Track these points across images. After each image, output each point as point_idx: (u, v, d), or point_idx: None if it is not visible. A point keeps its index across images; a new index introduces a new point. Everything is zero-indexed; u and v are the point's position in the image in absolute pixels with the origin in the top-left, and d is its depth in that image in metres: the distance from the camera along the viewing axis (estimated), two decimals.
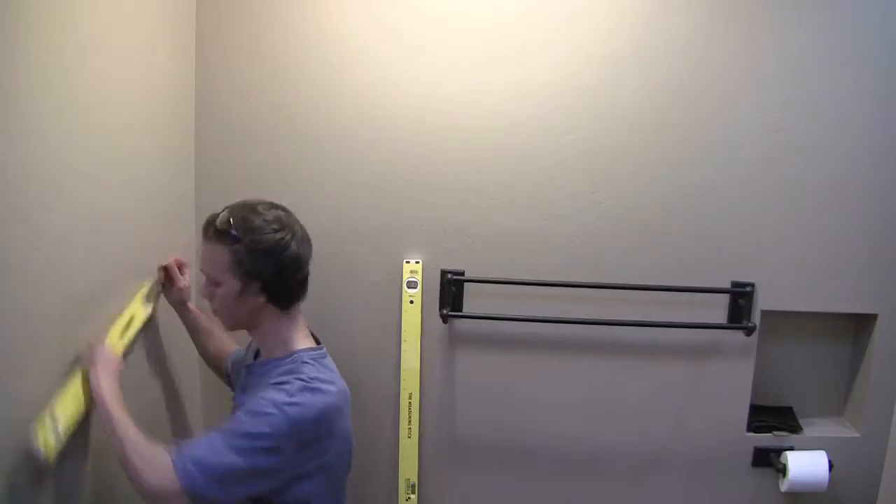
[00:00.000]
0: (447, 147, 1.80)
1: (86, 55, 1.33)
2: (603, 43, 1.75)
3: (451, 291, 1.84)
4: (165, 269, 1.59)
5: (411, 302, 1.85)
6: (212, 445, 1.18)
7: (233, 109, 1.82)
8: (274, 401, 1.22)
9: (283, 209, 1.36)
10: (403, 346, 1.87)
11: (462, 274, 1.85)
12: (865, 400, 1.86)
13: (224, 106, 1.82)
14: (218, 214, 1.31)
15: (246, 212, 1.30)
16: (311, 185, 1.83)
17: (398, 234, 1.84)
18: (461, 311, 1.86)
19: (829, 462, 1.81)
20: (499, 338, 1.88)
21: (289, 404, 1.22)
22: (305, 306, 1.87)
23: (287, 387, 1.25)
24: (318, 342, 1.43)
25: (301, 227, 1.37)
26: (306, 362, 1.32)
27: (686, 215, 1.81)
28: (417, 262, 1.84)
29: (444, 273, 1.85)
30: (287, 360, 1.33)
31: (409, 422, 1.90)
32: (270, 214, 1.32)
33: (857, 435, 1.88)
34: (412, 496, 1.93)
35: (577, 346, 1.87)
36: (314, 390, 1.26)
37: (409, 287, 1.85)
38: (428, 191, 1.82)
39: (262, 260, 1.28)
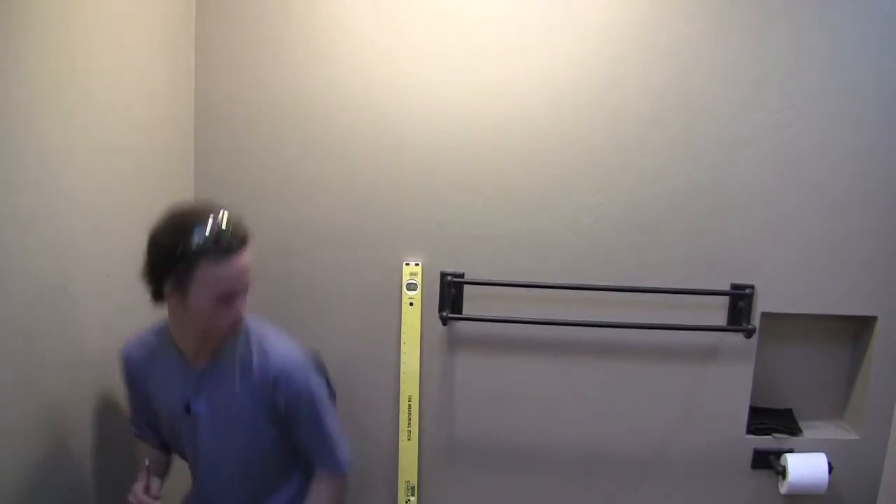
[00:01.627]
0: (447, 148, 1.80)
1: (86, 56, 1.33)
2: (601, 44, 1.75)
3: (450, 293, 1.84)
4: None
5: (411, 304, 1.85)
6: (335, 429, 1.39)
7: (233, 109, 1.81)
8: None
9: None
10: (403, 349, 1.86)
11: (462, 276, 1.84)
12: (865, 402, 1.86)
13: (224, 106, 1.81)
14: (230, 223, 1.21)
15: (224, 211, 1.23)
16: (311, 185, 1.83)
17: (398, 236, 1.84)
18: (461, 313, 1.86)
19: (829, 464, 1.81)
20: (498, 340, 1.87)
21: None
22: (305, 307, 1.89)
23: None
24: None
25: None
26: (252, 334, 1.35)
27: (685, 217, 1.81)
28: (417, 265, 1.84)
29: (443, 275, 1.84)
30: (242, 339, 1.35)
31: (409, 424, 1.90)
32: (206, 202, 1.28)
33: (856, 437, 1.88)
34: (412, 498, 1.93)
35: (576, 348, 1.87)
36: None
37: (408, 289, 1.85)
38: (428, 192, 1.82)
39: None
